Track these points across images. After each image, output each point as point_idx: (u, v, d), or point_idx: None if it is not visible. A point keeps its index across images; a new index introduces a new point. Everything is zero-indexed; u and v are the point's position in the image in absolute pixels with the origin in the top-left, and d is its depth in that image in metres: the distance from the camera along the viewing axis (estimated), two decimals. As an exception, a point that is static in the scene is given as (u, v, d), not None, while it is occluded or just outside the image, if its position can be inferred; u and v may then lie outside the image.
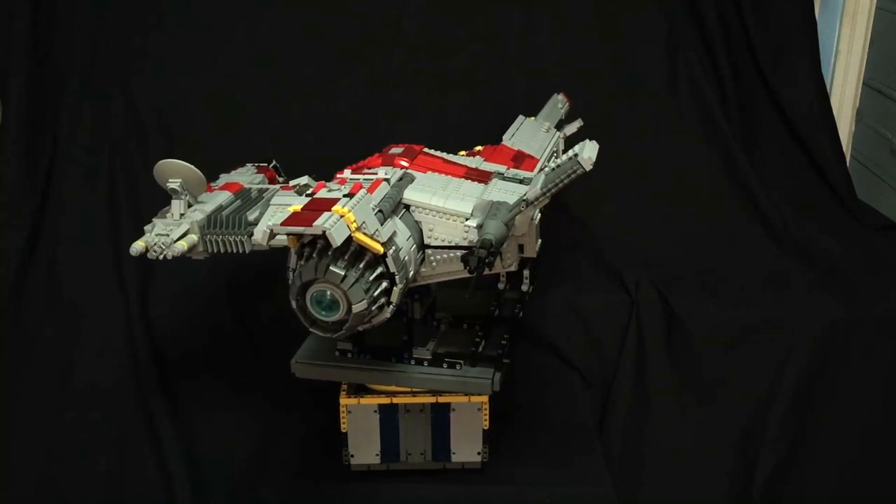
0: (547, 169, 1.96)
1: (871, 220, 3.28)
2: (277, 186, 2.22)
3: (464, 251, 1.95)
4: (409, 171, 2.15)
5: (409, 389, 2.28)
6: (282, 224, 1.79)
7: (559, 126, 2.68)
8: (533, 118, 2.68)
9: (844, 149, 3.55)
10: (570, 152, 1.91)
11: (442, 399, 2.28)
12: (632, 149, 3.16)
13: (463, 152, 2.41)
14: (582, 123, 2.65)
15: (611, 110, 3.23)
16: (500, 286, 2.37)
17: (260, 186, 2.23)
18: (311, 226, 1.73)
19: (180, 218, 1.99)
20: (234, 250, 2.00)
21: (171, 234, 1.94)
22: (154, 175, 2.03)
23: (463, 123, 3.13)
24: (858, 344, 2.71)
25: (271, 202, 2.06)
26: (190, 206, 2.02)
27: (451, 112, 3.22)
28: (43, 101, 3.05)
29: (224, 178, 2.27)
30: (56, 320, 2.79)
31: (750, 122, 3.38)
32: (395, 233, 1.90)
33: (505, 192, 2.04)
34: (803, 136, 3.36)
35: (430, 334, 2.38)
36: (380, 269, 1.84)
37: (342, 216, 1.77)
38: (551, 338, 2.86)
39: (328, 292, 1.81)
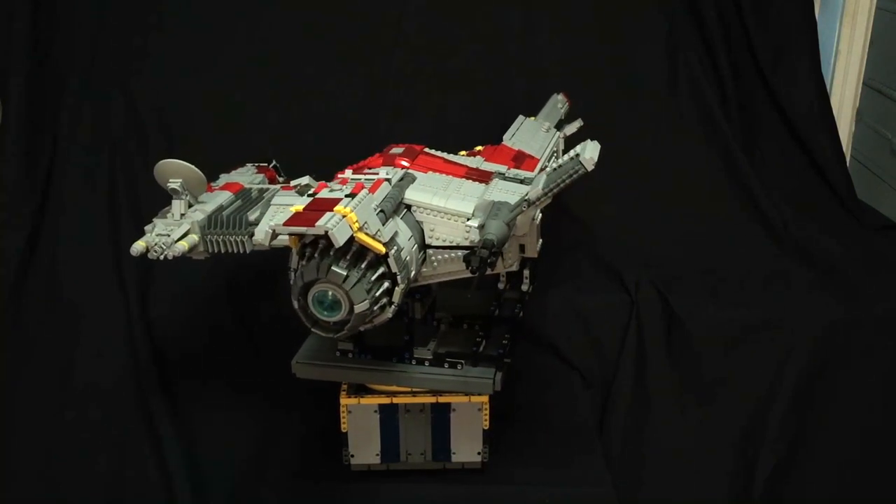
0: (548, 169, 1.96)
1: (871, 220, 3.28)
2: (278, 186, 2.22)
3: (466, 251, 1.95)
4: (409, 171, 2.15)
5: (409, 389, 2.28)
6: (284, 224, 1.79)
7: (559, 126, 2.68)
8: (533, 118, 2.68)
9: (844, 149, 3.55)
10: (572, 152, 1.91)
11: (442, 399, 2.28)
12: (632, 149, 3.17)
13: (463, 152, 2.41)
14: (582, 123, 2.65)
15: (611, 110, 3.23)
16: (500, 286, 2.37)
17: (260, 186, 2.23)
18: (314, 226, 1.73)
19: (181, 218, 1.99)
20: (235, 250, 2.00)
21: (171, 234, 1.94)
22: (154, 175, 2.03)
23: (463, 123, 3.13)
24: (858, 344, 2.71)
25: (272, 202, 2.06)
26: (190, 206, 2.02)
27: (451, 112, 3.22)
28: (43, 101, 3.05)
29: (224, 178, 2.27)
30: (56, 320, 2.79)
31: (750, 122, 3.38)
32: (396, 233, 1.90)
33: (506, 193, 2.04)
34: (803, 136, 3.36)
35: (431, 334, 2.38)
36: (381, 270, 1.84)
37: (344, 216, 1.77)
38: (551, 338, 2.86)
39: (330, 292, 1.81)
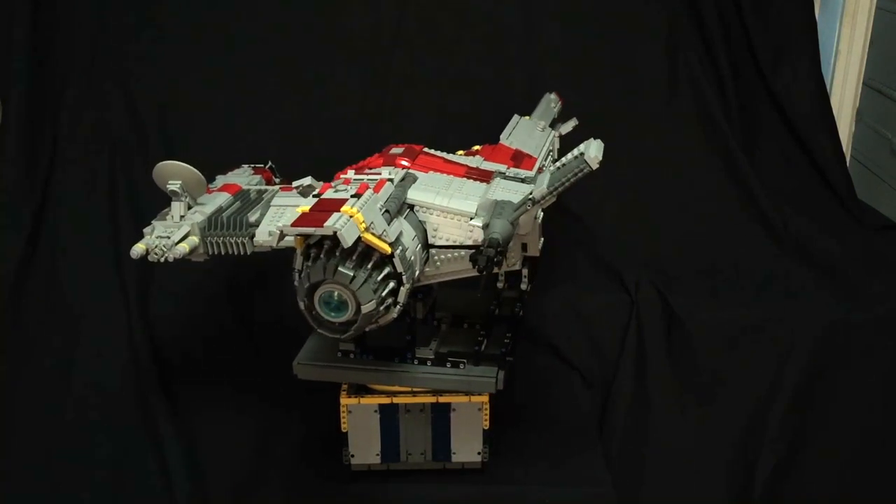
0: (552, 168, 1.96)
1: (871, 220, 3.28)
2: (277, 188, 2.22)
3: (469, 251, 1.95)
4: (411, 171, 2.15)
5: (409, 389, 2.28)
6: (292, 225, 1.79)
7: (552, 125, 2.69)
8: (527, 117, 2.68)
9: (844, 149, 3.55)
10: (576, 151, 1.91)
11: (442, 399, 2.29)
12: (632, 149, 3.17)
13: (461, 152, 2.42)
14: (577, 122, 2.65)
15: (611, 110, 3.23)
16: (500, 285, 2.38)
17: (258, 188, 2.23)
18: (322, 226, 1.73)
19: (180, 220, 1.99)
20: (235, 252, 2.00)
21: (171, 236, 1.94)
22: (153, 177, 2.03)
23: (463, 123, 3.13)
24: (858, 344, 2.71)
25: (272, 203, 2.06)
26: (189, 207, 2.02)
27: (451, 112, 3.22)
28: (43, 101, 3.05)
29: (221, 180, 2.27)
30: (56, 320, 2.79)
31: (750, 122, 3.38)
32: (401, 233, 1.90)
33: (508, 192, 2.04)
34: (803, 136, 3.36)
35: (432, 334, 2.38)
36: (387, 270, 1.84)
37: (351, 217, 1.77)
38: (551, 338, 2.86)
39: (336, 293, 1.81)
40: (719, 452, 2.71)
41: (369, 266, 1.81)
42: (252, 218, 2.01)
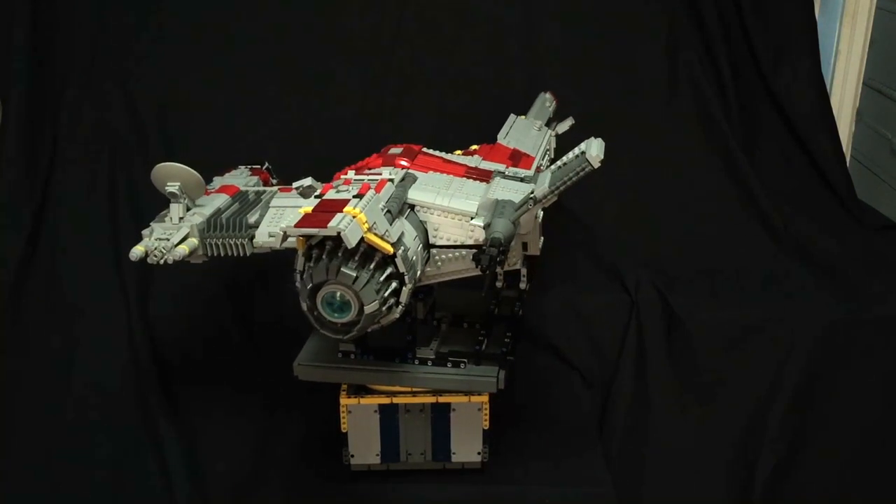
0: (553, 167, 1.96)
1: (871, 220, 3.28)
2: (275, 188, 2.22)
3: (474, 251, 1.95)
4: (410, 171, 2.15)
5: (409, 389, 2.28)
6: (295, 226, 1.79)
7: (548, 124, 2.69)
8: (524, 117, 2.68)
9: (844, 149, 3.55)
10: (577, 150, 1.91)
11: (442, 399, 2.29)
12: (632, 149, 3.16)
13: (459, 151, 2.42)
14: (573, 121, 2.65)
15: (611, 110, 3.23)
16: (499, 284, 2.38)
17: (256, 189, 2.23)
18: (326, 227, 1.73)
19: (179, 222, 1.99)
20: (235, 253, 2.00)
21: (170, 238, 1.94)
22: (151, 179, 2.02)
23: (463, 123, 3.13)
24: (858, 344, 2.71)
25: (271, 204, 2.06)
26: (188, 209, 2.02)
27: (450, 112, 3.22)
28: (43, 101, 3.05)
29: (218, 181, 2.27)
30: (56, 320, 2.79)
31: (750, 122, 3.38)
32: (402, 233, 1.90)
33: (508, 191, 2.04)
34: (803, 136, 3.36)
35: (432, 334, 2.38)
36: (389, 270, 1.84)
37: (354, 217, 1.77)
38: (551, 338, 2.86)
39: (338, 294, 1.81)
40: (719, 452, 2.71)
41: (372, 266, 1.81)
42: (251, 219, 2.01)
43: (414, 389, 2.28)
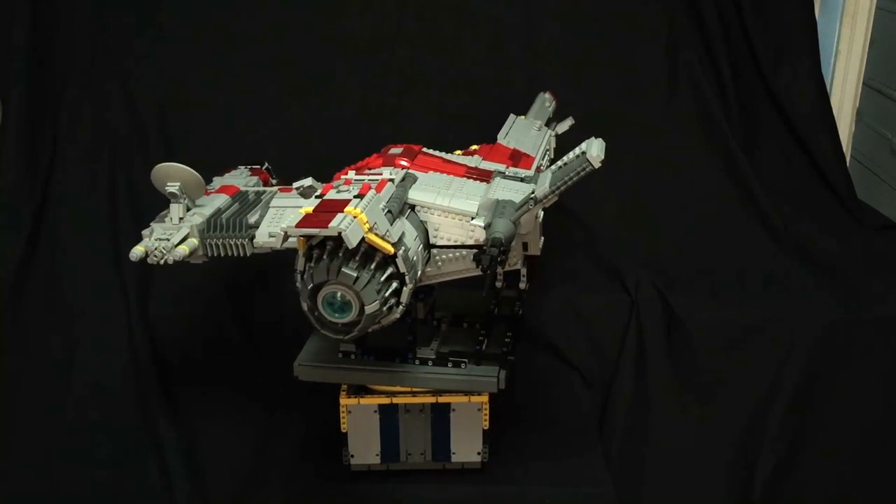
0: (554, 167, 1.96)
1: (871, 220, 3.28)
2: (275, 188, 2.22)
3: (474, 251, 1.95)
4: (410, 171, 2.15)
5: (409, 389, 2.28)
6: (296, 226, 1.78)
7: (547, 124, 2.69)
8: (523, 117, 2.68)
9: (844, 149, 3.55)
10: (578, 150, 1.91)
11: (442, 399, 2.29)
12: (632, 149, 3.17)
13: (458, 151, 2.42)
14: (573, 121, 2.65)
15: (611, 110, 3.23)
16: (498, 284, 2.38)
17: (256, 189, 2.23)
18: (327, 227, 1.73)
19: (179, 222, 1.99)
20: (235, 254, 1.99)
21: (171, 238, 1.94)
22: (151, 179, 2.02)
23: (463, 123, 3.13)
24: (858, 344, 2.71)
25: (271, 204, 2.06)
26: (188, 209, 2.02)
27: (450, 112, 3.22)
28: (43, 101, 3.05)
29: (218, 181, 2.27)
30: (56, 320, 2.79)
31: (750, 122, 3.38)
32: (403, 233, 1.90)
33: (509, 191, 2.04)
34: (803, 136, 3.36)
35: (432, 334, 2.38)
36: (390, 270, 1.84)
37: (355, 217, 1.77)
38: (551, 338, 2.86)
39: (339, 294, 1.81)
40: (719, 452, 2.71)
41: (372, 267, 1.81)
42: (251, 219, 2.01)
43: (414, 389, 2.28)
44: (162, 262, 1.92)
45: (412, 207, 2.03)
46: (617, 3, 3.28)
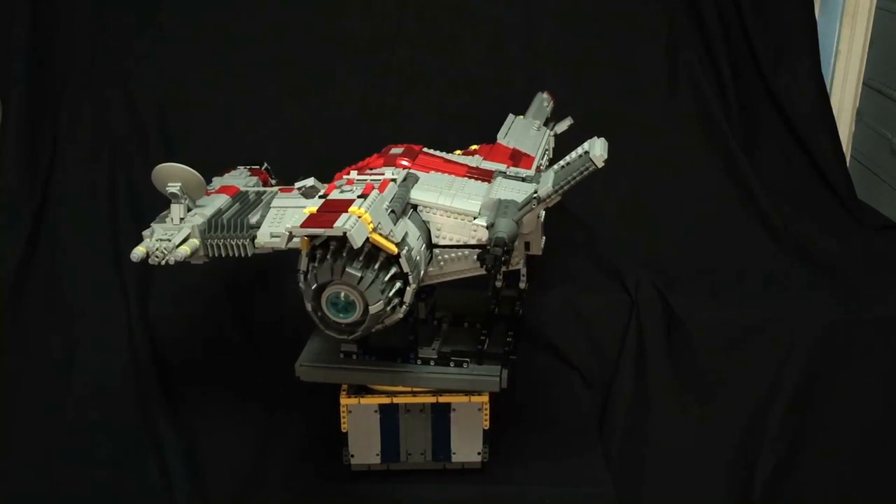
0: (556, 167, 1.96)
1: (871, 220, 3.28)
2: (276, 189, 2.22)
3: (478, 250, 1.95)
4: (412, 171, 2.15)
5: (409, 389, 2.28)
6: (301, 226, 1.78)
7: (545, 123, 2.69)
8: (522, 116, 2.69)
9: (844, 149, 3.55)
10: (580, 150, 1.92)
11: (442, 399, 2.29)
12: (632, 149, 3.16)
13: (458, 151, 2.42)
14: (572, 121, 2.65)
15: (611, 110, 3.23)
16: (498, 284, 2.38)
17: (256, 189, 2.23)
18: (332, 227, 1.73)
19: (180, 222, 1.99)
20: (236, 254, 1.99)
21: (172, 239, 1.94)
22: (152, 179, 2.02)
23: (463, 123, 3.13)
24: (858, 344, 2.71)
25: (272, 205, 2.05)
26: (189, 210, 2.02)
27: (450, 112, 3.22)
28: (43, 101, 3.05)
29: (218, 182, 2.27)
30: (56, 320, 2.79)
31: (750, 122, 3.38)
32: (406, 233, 1.90)
33: (511, 191, 2.04)
34: (803, 136, 3.36)
35: (433, 334, 2.38)
36: (394, 270, 1.84)
37: (359, 217, 1.77)
38: (551, 338, 2.86)
39: (343, 294, 1.81)
40: (719, 452, 2.71)
41: (376, 266, 1.81)
42: (252, 220, 2.01)
43: (414, 389, 2.28)
44: (163, 262, 1.92)
45: (414, 207, 2.03)
46: (617, 3, 3.28)
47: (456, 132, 2.94)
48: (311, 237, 1.81)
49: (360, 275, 1.78)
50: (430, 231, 2.03)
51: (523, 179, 2.14)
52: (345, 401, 2.28)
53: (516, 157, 2.35)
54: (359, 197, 1.88)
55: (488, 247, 1.85)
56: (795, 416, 2.70)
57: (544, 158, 2.48)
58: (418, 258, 1.92)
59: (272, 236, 1.96)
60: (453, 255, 2.04)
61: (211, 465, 2.58)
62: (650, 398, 2.74)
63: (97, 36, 3.11)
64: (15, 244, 2.88)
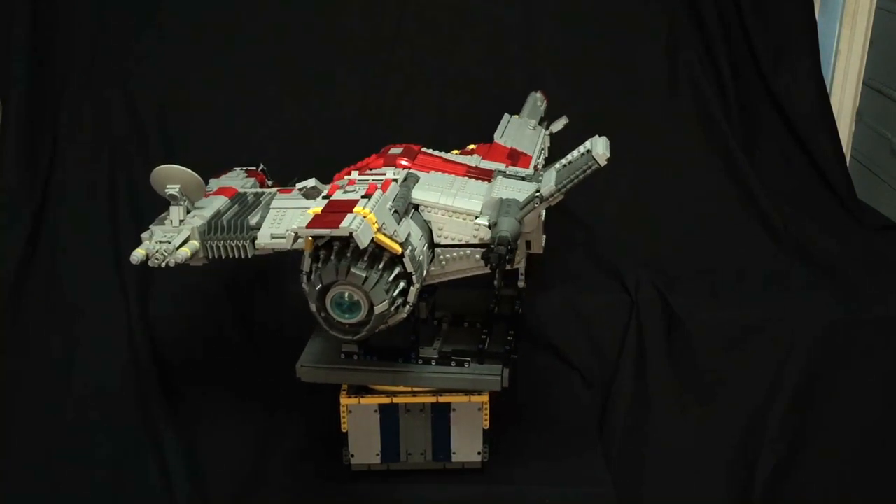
0: (558, 165, 1.96)
1: (871, 220, 3.28)
2: (274, 190, 2.22)
3: (480, 250, 1.96)
4: (412, 171, 2.15)
5: (409, 389, 2.28)
6: (307, 227, 1.78)
7: (539, 123, 2.69)
8: (517, 116, 2.69)
9: (844, 149, 3.55)
10: (582, 148, 1.92)
11: (442, 399, 2.29)
12: (632, 149, 3.16)
13: (456, 151, 2.42)
14: (567, 121, 2.66)
15: (611, 110, 3.23)
16: (497, 283, 2.38)
17: (255, 191, 2.22)
18: (338, 227, 1.73)
19: (180, 224, 1.98)
20: (236, 255, 1.99)
21: (172, 241, 1.93)
22: (151, 181, 2.02)
23: (463, 123, 3.13)
24: (858, 344, 2.71)
25: (271, 206, 2.05)
26: (188, 211, 2.02)
27: (450, 112, 3.22)
28: (43, 101, 3.05)
29: (215, 183, 2.27)
30: (56, 320, 2.79)
31: (750, 122, 3.38)
32: (409, 233, 1.90)
33: (512, 190, 2.05)
34: (803, 136, 3.36)
35: (434, 334, 2.38)
36: (398, 270, 1.84)
37: (365, 217, 1.77)
38: (551, 338, 2.86)
39: (347, 294, 1.81)
40: (719, 452, 2.71)
41: (380, 266, 1.81)
42: (252, 221, 2.01)
43: (414, 389, 2.28)
44: (163, 264, 1.92)
45: (416, 207, 2.03)
46: (617, 3, 3.28)
47: (456, 132, 2.94)
48: (315, 238, 1.81)
49: (364, 275, 1.78)
50: (431, 231, 2.03)
51: (523, 178, 2.14)
52: (345, 401, 2.28)
53: (514, 157, 2.36)
54: (363, 197, 1.88)
55: (492, 245, 1.85)
56: (795, 416, 2.69)
57: (541, 157, 2.48)
58: (421, 258, 1.92)
59: (273, 237, 1.96)
60: (455, 254, 2.05)
61: (211, 465, 2.58)
62: (650, 398, 2.74)
63: (97, 36, 3.11)
64: (15, 244, 2.88)
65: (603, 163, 1.88)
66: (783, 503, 2.69)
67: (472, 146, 2.44)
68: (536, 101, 2.82)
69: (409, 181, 2.08)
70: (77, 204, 3.00)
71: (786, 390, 2.69)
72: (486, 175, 2.19)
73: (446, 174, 2.18)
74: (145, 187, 2.08)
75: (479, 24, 3.23)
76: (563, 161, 1.94)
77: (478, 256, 2.02)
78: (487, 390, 2.27)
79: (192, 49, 3.15)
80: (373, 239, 1.77)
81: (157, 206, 2.08)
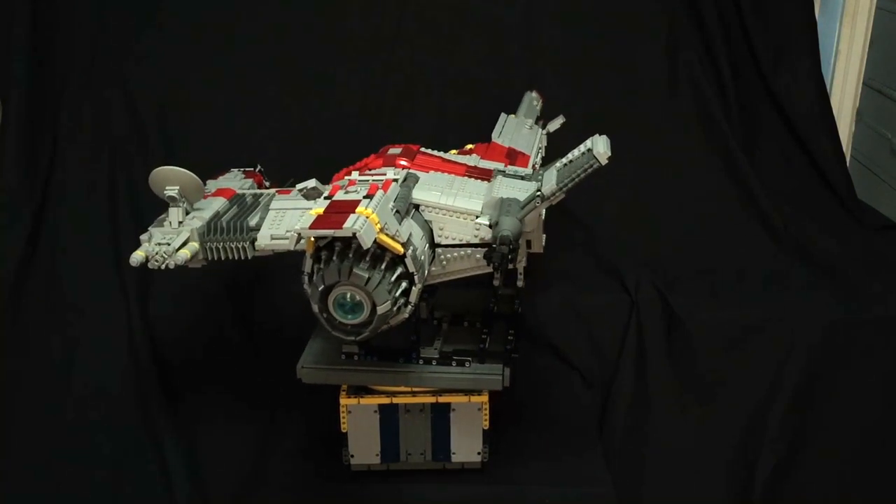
0: (559, 164, 1.96)
1: (871, 220, 3.28)
2: (273, 191, 2.21)
3: (481, 250, 1.96)
4: (412, 171, 2.15)
5: (408, 389, 2.28)
6: (310, 227, 1.77)
7: (535, 122, 2.70)
8: (514, 116, 2.69)
9: (844, 149, 3.55)
10: (583, 147, 1.92)
11: (442, 399, 2.29)
12: (632, 149, 3.15)
13: (454, 151, 2.42)
14: (564, 120, 2.65)
15: (611, 110, 3.23)
16: (496, 283, 2.38)
17: (253, 192, 2.22)
18: (342, 228, 1.72)
19: (179, 226, 1.98)
20: (235, 257, 1.99)
21: (171, 242, 1.93)
22: (150, 183, 2.02)
23: (462, 123, 3.13)
24: (858, 344, 2.71)
25: (271, 207, 2.05)
26: (187, 213, 2.02)
27: (450, 112, 3.22)
28: (43, 101, 3.05)
29: (213, 185, 2.26)
30: (56, 320, 2.79)
31: (750, 122, 3.38)
32: (410, 233, 1.90)
33: (512, 189, 2.05)
34: (803, 136, 3.36)
35: (434, 334, 2.39)
36: (399, 270, 1.84)
37: (367, 218, 1.77)
38: (551, 338, 2.86)
39: (349, 295, 1.80)
40: (719, 452, 2.71)
41: (382, 267, 1.81)
42: (252, 222, 2.01)
43: (414, 389, 2.28)
44: (163, 266, 1.92)
45: (416, 207, 2.03)
46: (617, 3, 3.28)
47: (456, 132, 2.93)
48: (317, 238, 1.81)
49: (367, 275, 1.78)
50: (432, 231, 2.03)
51: (523, 178, 2.14)
52: (344, 401, 2.28)
53: (512, 156, 2.36)
54: (364, 197, 1.88)
55: (494, 245, 1.84)
56: (795, 416, 2.69)
57: (538, 157, 2.48)
58: (423, 258, 1.92)
59: (273, 238, 1.96)
60: (456, 254, 2.05)
61: (211, 465, 2.58)
62: (650, 398, 2.74)
63: (97, 36, 3.11)
64: (15, 244, 2.88)
65: (604, 161, 1.88)
66: (783, 503, 2.69)
67: (470, 146, 2.44)
68: (532, 101, 2.82)
69: (410, 181, 2.08)
70: (77, 204, 3.00)
71: (786, 390, 2.69)
72: (485, 175, 2.19)
73: (446, 174, 2.18)
74: (145, 187, 2.08)
75: (479, 24, 3.23)
76: (564, 160, 1.94)
77: (479, 256, 2.02)
78: (489, 389, 2.27)
79: (192, 49, 3.15)
80: (375, 239, 1.77)
81: (156, 207, 2.08)
